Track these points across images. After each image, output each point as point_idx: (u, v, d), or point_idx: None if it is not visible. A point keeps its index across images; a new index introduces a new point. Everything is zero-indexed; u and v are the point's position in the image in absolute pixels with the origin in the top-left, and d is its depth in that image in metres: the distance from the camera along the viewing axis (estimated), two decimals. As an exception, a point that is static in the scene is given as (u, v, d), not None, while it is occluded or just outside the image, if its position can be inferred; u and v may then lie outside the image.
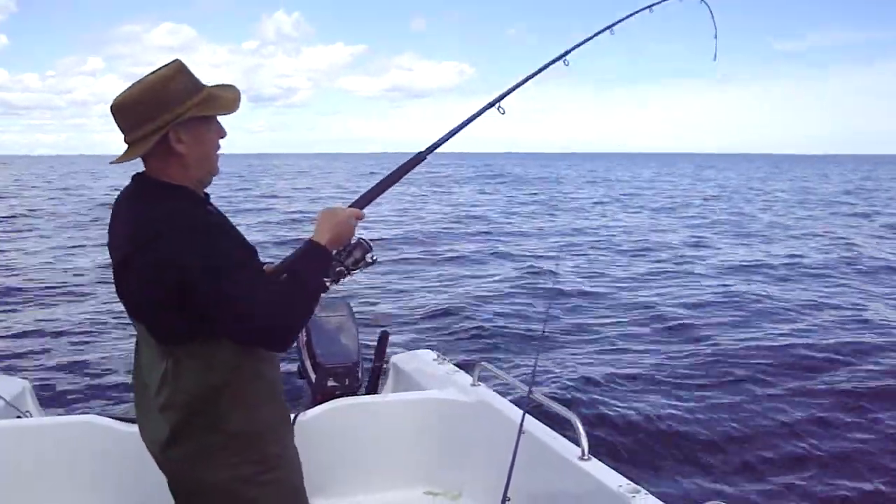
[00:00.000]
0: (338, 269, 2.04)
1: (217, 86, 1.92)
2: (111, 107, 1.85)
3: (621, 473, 2.56)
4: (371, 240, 2.09)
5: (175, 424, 1.84)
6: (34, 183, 45.87)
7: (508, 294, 10.40)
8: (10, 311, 9.55)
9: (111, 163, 1.91)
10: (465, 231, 17.54)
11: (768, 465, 5.13)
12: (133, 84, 1.85)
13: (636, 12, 2.60)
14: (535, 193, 35.32)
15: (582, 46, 2.51)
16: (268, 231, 17.64)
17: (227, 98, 1.89)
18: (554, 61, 2.45)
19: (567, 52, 2.47)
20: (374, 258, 2.09)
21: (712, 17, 2.64)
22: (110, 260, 1.94)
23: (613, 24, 2.53)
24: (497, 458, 2.58)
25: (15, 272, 12.20)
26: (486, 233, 17.25)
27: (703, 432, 5.65)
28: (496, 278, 11.68)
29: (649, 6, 2.58)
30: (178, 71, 1.85)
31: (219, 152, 1.94)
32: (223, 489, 1.88)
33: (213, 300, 1.73)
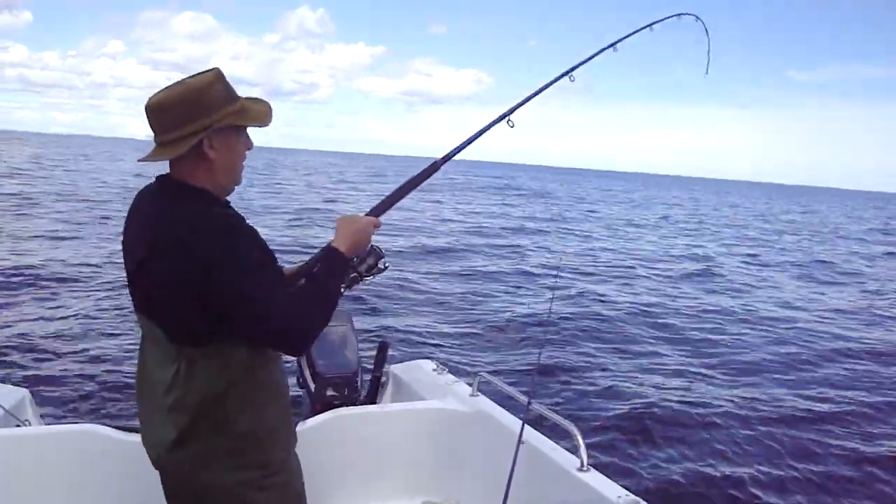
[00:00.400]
0: (352, 275, 2.11)
1: (249, 98, 1.95)
2: (149, 105, 1.86)
3: (620, 485, 2.56)
4: (379, 246, 2.14)
5: (184, 425, 1.85)
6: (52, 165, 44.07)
7: (508, 305, 10.40)
8: (9, 319, 9.54)
9: (140, 160, 1.92)
10: (466, 242, 17.57)
11: (768, 480, 5.12)
12: (170, 85, 1.87)
13: (638, 30, 2.67)
14: (549, 205, 35.35)
15: (590, 63, 2.59)
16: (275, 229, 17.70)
17: (260, 111, 1.93)
18: (560, 77, 2.52)
19: (573, 69, 2.54)
20: (387, 265, 2.16)
21: (706, 32, 2.75)
22: (124, 259, 1.96)
23: (616, 42, 2.62)
24: (496, 468, 2.58)
25: (15, 275, 12.19)
26: (488, 245, 17.27)
27: (703, 445, 5.64)
28: (497, 289, 11.68)
29: (650, 24, 2.66)
30: (217, 78, 1.88)
31: (244, 162, 1.97)
32: (228, 492, 1.89)
33: (233, 301, 1.75)
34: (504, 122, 2.42)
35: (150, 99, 1.87)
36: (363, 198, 30.77)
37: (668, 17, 2.69)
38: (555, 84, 2.53)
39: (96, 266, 12.71)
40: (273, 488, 1.94)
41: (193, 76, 1.89)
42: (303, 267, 2.12)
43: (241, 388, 1.86)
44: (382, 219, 2.17)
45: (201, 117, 1.82)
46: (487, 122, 2.40)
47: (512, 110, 2.44)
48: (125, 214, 2.01)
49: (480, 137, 2.40)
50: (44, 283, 11.91)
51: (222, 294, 1.75)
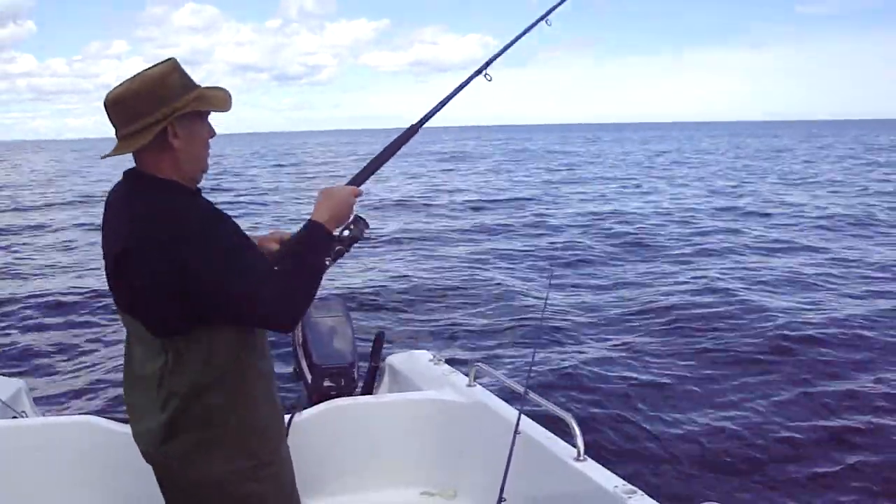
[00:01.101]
0: (337, 248, 2.09)
1: (207, 87, 1.94)
2: (106, 101, 1.86)
3: (617, 474, 2.56)
4: (371, 226, 2.14)
5: (173, 418, 1.84)
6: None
7: (505, 294, 10.39)
8: (4, 310, 9.53)
9: (102, 157, 1.93)
10: (463, 226, 17.51)
11: (764, 467, 5.13)
12: (127, 80, 1.86)
13: None
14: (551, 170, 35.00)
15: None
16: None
17: (219, 96, 1.92)
18: (535, 24, 2.49)
19: (548, 13, 2.51)
20: (370, 234, 2.15)
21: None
22: (104, 257, 1.94)
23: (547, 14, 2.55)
24: (493, 458, 2.59)
25: (10, 270, 12.17)
26: (484, 229, 17.19)
27: (700, 433, 5.65)
28: (493, 278, 11.67)
29: None
30: (173, 68, 1.88)
31: (209, 149, 1.96)
32: (219, 485, 1.88)
33: (217, 288, 1.75)
34: (482, 76, 2.39)
35: (107, 95, 1.86)
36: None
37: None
38: (534, 31, 2.49)
39: (93, 257, 12.69)
40: (264, 480, 1.93)
41: (149, 68, 1.88)
42: (285, 244, 2.10)
43: (228, 377, 1.86)
44: (364, 186, 2.16)
45: (161, 107, 1.81)
46: (463, 79, 2.35)
47: (488, 63, 2.40)
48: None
49: (460, 93, 2.35)
50: (40, 273, 11.91)
51: (205, 285, 1.75)
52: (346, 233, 2.09)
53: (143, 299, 1.82)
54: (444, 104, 2.33)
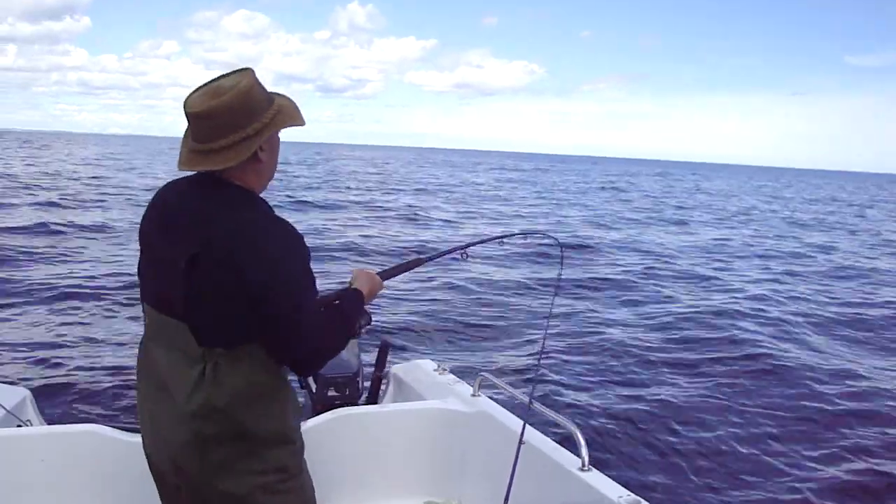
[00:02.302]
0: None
1: (276, 95, 1.95)
2: (196, 112, 1.82)
3: (622, 485, 2.56)
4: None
5: (207, 429, 1.82)
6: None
7: (510, 304, 10.39)
8: (10, 317, 9.54)
9: (183, 167, 1.89)
10: (464, 236, 17.51)
11: (770, 480, 5.11)
12: (212, 89, 1.83)
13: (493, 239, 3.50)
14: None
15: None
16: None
17: (294, 109, 1.94)
18: (510, 235, 3.37)
19: (467, 246, 3.02)
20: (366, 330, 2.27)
21: (560, 249, 3.48)
22: (152, 254, 1.94)
23: (501, 237, 3.50)
24: (497, 468, 2.58)
25: (17, 276, 12.20)
26: (490, 239, 17.14)
27: (705, 444, 5.64)
28: (498, 287, 11.67)
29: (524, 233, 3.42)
30: (256, 80, 1.87)
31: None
32: (249, 496, 1.87)
33: (283, 313, 1.78)
34: (460, 254, 2.96)
35: (192, 104, 1.83)
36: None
37: (517, 234, 3.33)
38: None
39: (104, 263, 12.72)
40: (291, 492, 1.94)
41: (229, 76, 1.87)
42: (326, 297, 2.14)
43: (264, 390, 1.87)
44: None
45: (252, 121, 1.82)
46: (446, 249, 2.99)
47: (469, 245, 3.00)
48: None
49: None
50: (47, 281, 11.93)
51: (276, 305, 1.77)
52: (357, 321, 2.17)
53: (211, 303, 1.80)
54: (442, 255, 2.96)
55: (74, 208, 20.60)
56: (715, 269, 14.53)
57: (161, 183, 2.08)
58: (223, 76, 1.87)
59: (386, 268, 2.54)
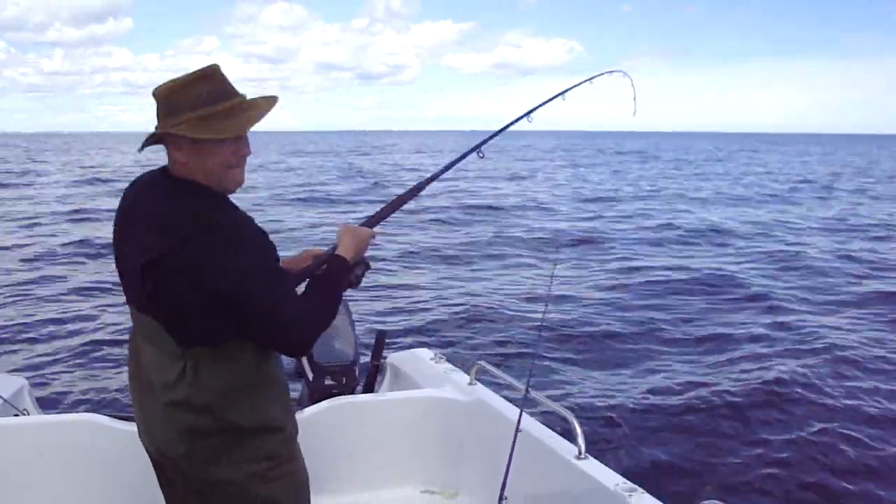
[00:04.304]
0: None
1: (253, 99, 1.90)
2: (156, 92, 1.85)
3: (618, 472, 2.57)
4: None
5: (191, 423, 1.83)
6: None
7: (506, 292, 10.40)
8: (7, 307, 9.53)
9: (140, 150, 1.92)
10: (465, 227, 17.51)
11: (767, 466, 5.13)
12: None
13: (581, 83, 2.88)
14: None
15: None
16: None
17: (232, 123, 1.83)
18: (520, 118, 2.73)
19: (531, 111, 2.71)
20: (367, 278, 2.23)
21: (633, 85, 3.00)
22: (122, 253, 1.93)
23: (566, 91, 2.80)
24: (494, 456, 2.59)
25: (15, 267, 12.18)
26: (487, 229, 17.16)
27: (702, 431, 5.66)
28: (494, 276, 11.68)
29: (590, 78, 2.88)
30: (199, 79, 1.83)
31: (243, 165, 1.90)
32: (236, 486, 1.89)
33: (253, 307, 1.77)
34: (475, 153, 2.60)
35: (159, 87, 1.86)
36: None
37: (603, 74, 2.95)
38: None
39: (100, 255, 12.71)
40: (280, 479, 1.95)
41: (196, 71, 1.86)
42: (306, 268, 2.13)
43: (247, 384, 1.87)
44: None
45: (172, 117, 1.81)
46: (462, 152, 2.60)
47: (482, 143, 2.61)
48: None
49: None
50: (45, 270, 11.91)
51: (243, 300, 1.76)
52: (353, 272, 2.15)
53: (177, 302, 1.79)
54: (448, 169, 2.51)
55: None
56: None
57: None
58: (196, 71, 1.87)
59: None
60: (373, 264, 2.26)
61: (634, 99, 3.03)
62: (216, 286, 1.73)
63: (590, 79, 2.89)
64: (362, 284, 2.20)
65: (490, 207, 21.41)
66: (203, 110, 1.80)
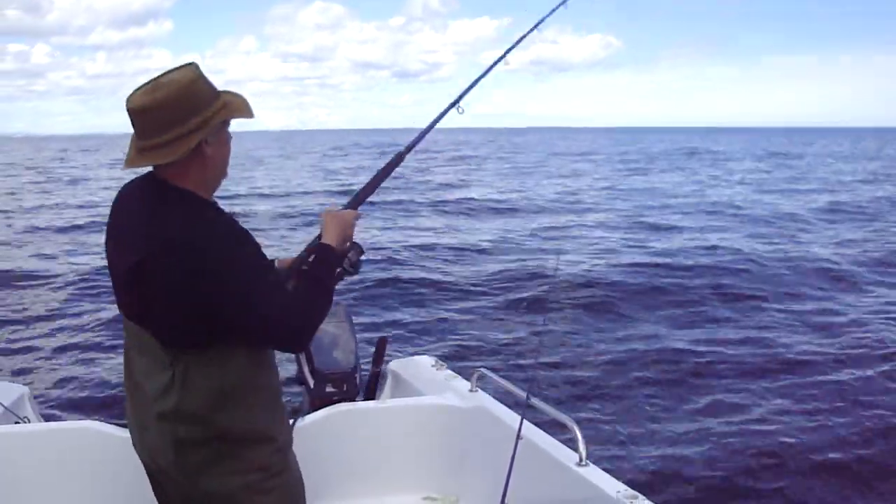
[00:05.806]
0: (337, 270, 2.11)
1: (225, 91, 1.92)
2: (134, 108, 1.78)
3: (619, 479, 2.56)
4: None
5: (181, 433, 1.82)
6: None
7: (508, 299, 10.37)
8: (9, 316, 9.53)
9: (127, 167, 1.84)
10: (463, 233, 17.49)
11: (768, 472, 5.12)
12: (151, 85, 1.79)
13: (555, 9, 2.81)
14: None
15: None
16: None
17: (243, 103, 1.91)
18: (497, 62, 2.67)
19: (506, 53, 2.67)
20: (364, 260, 2.18)
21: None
22: (110, 262, 1.93)
23: (540, 22, 2.76)
24: (495, 463, 2.59)
25: (16, 276, 12.18)
26: (492, 236, 17.13)
27: (702, 439, 5.65)
28: (496, 281, 11.65)
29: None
30: (200, 74, 1.84)
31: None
32: (229, 498, 1.87)
33: (240, 308, 1.76)
34: (454, 109, 2.51)
35: (132, 100, 1.79)
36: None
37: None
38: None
39: (100, 261, 12.70)
40: (274, 490, 1.93)
41: (171, 72, 1.82)
42: (294, 262, 2.13)
43: (238, 392, 1.85)
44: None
45: (193, 116, 1.78)
46: (440, 111, 2.50)
47: (460, 97, 2.52)
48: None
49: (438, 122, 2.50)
50: (45, 279, 11.91)
51: (228, 302, 1.75)
52: (347, 258, 2.11)
53: (162, 308, 1.79)
54: (425, 134, 2.43)
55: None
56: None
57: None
58: (167, 72, 1.83)
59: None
60: (373, 268, 2.21)
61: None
62: (204, 288, 1.73)
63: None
64: (359, 275, 2.15)
65: (495, 210, 21.36)
66: (221, 99, 1.85)
